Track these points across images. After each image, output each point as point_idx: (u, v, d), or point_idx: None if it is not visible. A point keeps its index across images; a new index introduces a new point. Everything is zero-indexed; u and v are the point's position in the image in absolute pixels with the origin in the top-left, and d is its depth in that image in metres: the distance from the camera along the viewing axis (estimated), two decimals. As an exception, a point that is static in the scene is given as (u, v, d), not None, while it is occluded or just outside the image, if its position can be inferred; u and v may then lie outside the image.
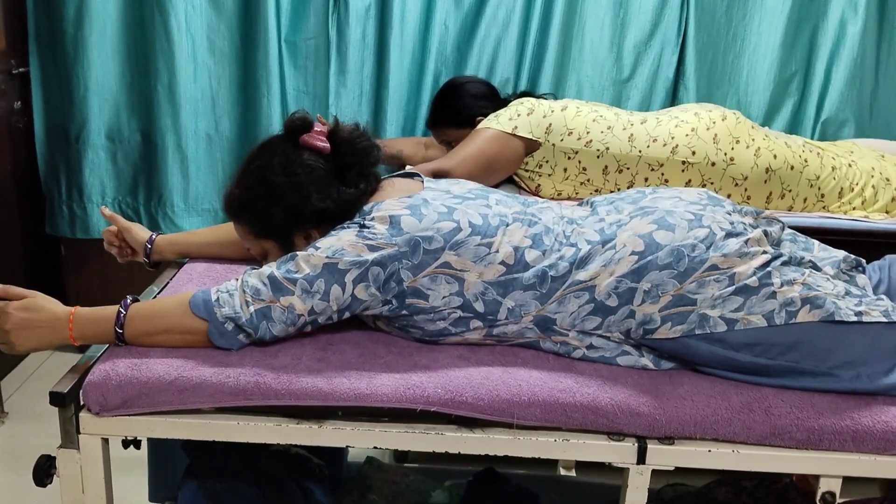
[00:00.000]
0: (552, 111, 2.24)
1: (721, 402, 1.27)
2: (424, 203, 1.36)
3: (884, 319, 1.30)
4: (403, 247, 1.31)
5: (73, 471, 1.29)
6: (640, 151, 2.20)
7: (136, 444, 1.50)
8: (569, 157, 2.22)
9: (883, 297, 1.38)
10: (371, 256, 1.30)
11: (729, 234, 1.33)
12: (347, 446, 1.28)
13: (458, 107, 2.40)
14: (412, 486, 1.76)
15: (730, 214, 1.38)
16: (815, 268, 1.39)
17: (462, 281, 1.32)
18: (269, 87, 2.65)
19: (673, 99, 2.70)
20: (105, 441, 1.29)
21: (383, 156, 1.49)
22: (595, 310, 1.32)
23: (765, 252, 1.33)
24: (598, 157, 2.21)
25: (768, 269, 1.31)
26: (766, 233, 1.38)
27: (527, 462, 1.63)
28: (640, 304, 1.30)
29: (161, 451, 1.74)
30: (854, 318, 1.29)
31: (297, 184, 1.37)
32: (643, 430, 1.26)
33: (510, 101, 2.37)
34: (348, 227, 1.35)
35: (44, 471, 1.30)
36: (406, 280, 1.31)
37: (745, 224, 1.37)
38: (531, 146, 2.23)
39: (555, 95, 2.56)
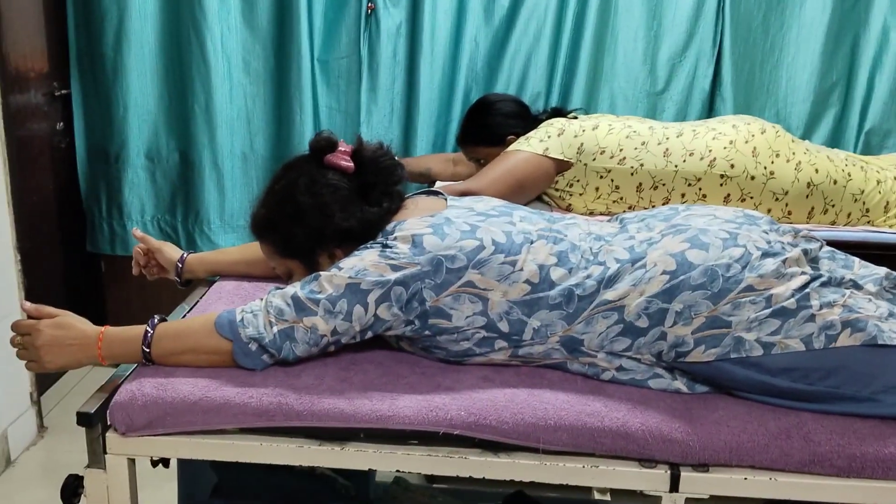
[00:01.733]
0: (583, 130, 2.21)
1: (758, 427, 1.22)
2: (447, 222, 1.34)
3: (930, 341, 1.24)
4: (426, 266, 1.29)
5: (99, 491, 1.29)
6: (675, 166, 2.15)
7: (165, 462, 1.50)
8: (601, 176, 2.19)
9: (929, 316, 1.32)
10: (394, 276, 1.28)
11: (766, 254, 1.28)
12: (370, 468, 1.26)
13: (490, 125, 2.38)
14: (441, 507, 1.73)
15: (766, 233, 1.34)
16: (856, 287, 1.33)
17: (486, 300, 1.30)
18: (302, 105, 2.67)
19: (710, 111, 2.65)
20: (131, 461, 1.29)
21: (408, 174, 1.48)
22: (624, 331, 1.28)
23: (803, 273, 1.28)
24: (631, 174, 2.17)
25: (807, 290, 1.26)
26: (804, 251, 1.33)
27: (558, 485, 1.60)
28: (672, 325, 1.26)
29: (190, 468, 1.74)
30: (898, 341, 1.24)
31: (321, 203, 1.37)
32: (676, 457, 1.21)
33: (541, 120, 2.34)
34: (371, 247, 1.34)
35: (71, 490, 1.31)
36: (429, 300, 1.30)
37: (782, 243, 1.33)
38: (562, 166, 2.20)
39: (585, 111, 2.53)
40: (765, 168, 2.14)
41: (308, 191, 1.37)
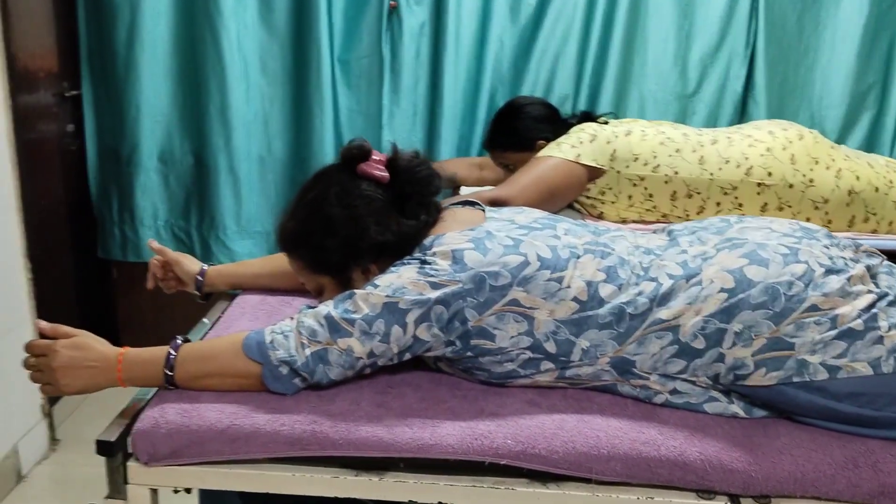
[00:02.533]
0: (616, 136, 2.13)
1: (823, 456, 1.14)
2: (488, 236, 1.26)
3: None
4: (468, 284, 1.21)
5: (121, 523, 1.21)
6: (711, 174, 2.08)
7: (188, 490, 1.43)
8: (634, 184, 2.11)
9: None
10: (433, 295, 1.20)
11: (829, 271, 1.20)
12: (411, 501, 1.18)
13: (519, 130, 2.31)
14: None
15: (827, 248, 1.26)
16: (924, 305, 1.25)
17: (532, 319, 1.22)
18: (321, 107, 2.59)
19: (742, 114, 2.57)
20: (154, 491, 1.21)
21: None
22: (679, 352, 1.21)
23: (869, 291, 1.20)
24: (665, 182, 2.09)
25: (874, 310, 1.18)
26: (867, 268, 1.25)
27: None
28: (731, 347, 1.19)
29: (213, 495, 1.66)
30: (974, 364, 1.16)
31: (354, 216, 1.29)
32: (736, 488, 1.14)
33: (571, 124, 2.27)
34: (409, 263, 1.26)
35: (90, 521, 1.23)
36: (471, 319, 1.22)
37: (844, 259, 1.25)
38: (595, 174, 2.13)
39: (616, 115, 2.45)
40: (804, 176, 2.06)
41: (340, 202, 1.30)
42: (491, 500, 1.17)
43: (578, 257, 1.26)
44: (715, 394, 1.23)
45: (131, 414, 1.22)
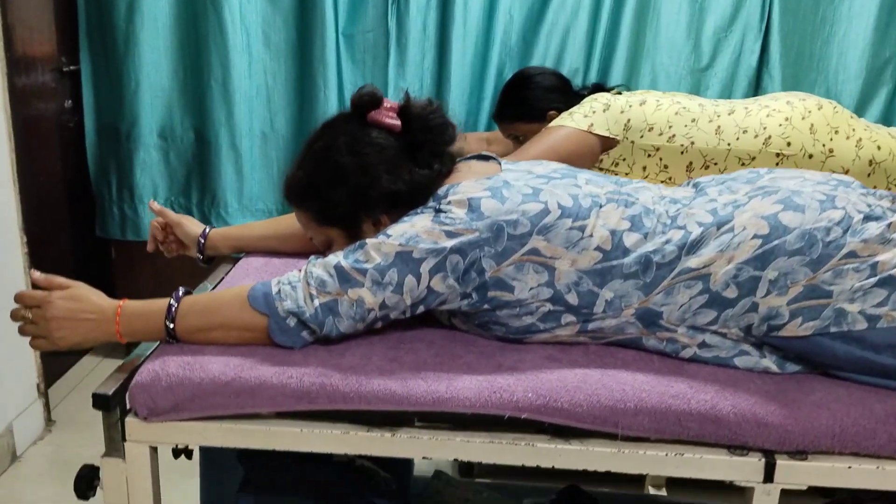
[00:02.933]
0: (630, 106, 2.07)
1: (862, 410, 1.08)
2: (506, 185, 1.20)
3: None
4: (485, 233, 1.15)
5: (117, 482, 1.15)
6: (728, 144, 2.01)
7: (188, 453, 1.36)
8: (649, 155, 2.05)
9: None
10: (449, 244, 1.14)
11: (868, 218, 1.14)
12: (424, 457, 1.12)
13: (529, 100, 2.24)
14: (487, 503, 1.59)
15: (864, 196, 1.20)
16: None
17: (553, 270, 1.16)
18: (325, 82, 2.53)
19: (756, 88, 2.52)
20: (153, 449, 1.15)
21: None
22: (710, 302, 1.14)
23: (909, 238, 1.14)
24: (681, 152, 2.03)
25: (915, 257, 1.12)
26: (906, 216, 1.19)
27: (611, 478, 1.45)
28: (765, 295, 1.12)
29: (214, 463, 1.60)
30: None
31: (364, 164, 1.23)
32: (771, 444, 1.07)
33: (583, 96, 2.21)
34: (422, 213, 1.20)
35: (86, 482, 1.17)
36: (488, 270, 1.16)
37: (882, 208, 1.19)
38: (608, 144, 2.06)
39: (628, 87, 2.39)
40: (823, 146, 2.00)
41: (350, 151, 1.23)
42: (510, 457, 1.10)
43: (601, 206, 1.20)
44: (746, 347, 1.17)
45: (130, 368, 1.16)
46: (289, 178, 1.30)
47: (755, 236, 1.13)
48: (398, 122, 1.26)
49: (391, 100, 1.29)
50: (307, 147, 1.30)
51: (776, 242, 1.12)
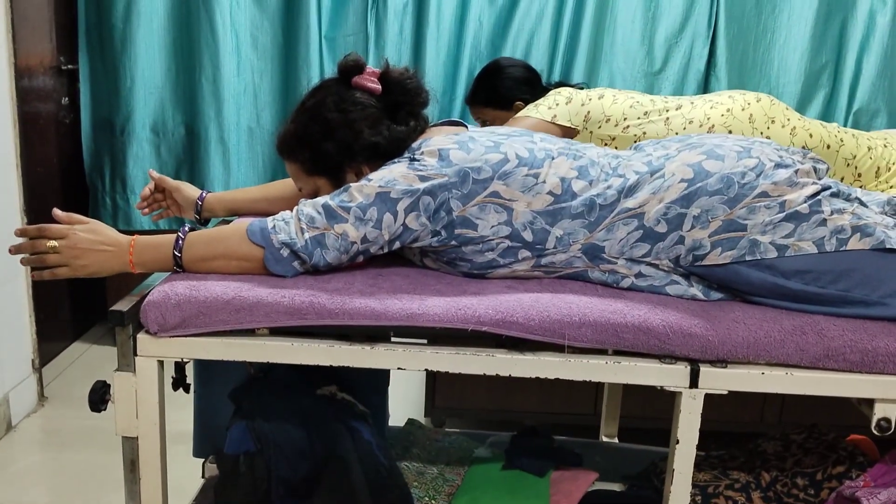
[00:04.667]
0: (590, 99, 2.27)
1: (773, 325, 1.27)
2: (471, 139, 1.39)
3: (935, 250, 1.30)
4: (453, 177, 1.33)
5: (128, 394, 1.30)
6: (676, 134, 2.22)
7: (186, 387, 1.53)
8: (606, 144, 2.25)
9: (932, 229, 1.38)
10: (422, 186, 1.32)
11: (779, 165, 1.34)
12: (399, 368, 1.29)
13: (499, 88, 2.44)
14: (454, 444, 1.76)
15: (778, 150, 1.40)
16: (862, 204, 1.40)
17: (511, 210, 1.34)
18: (309, 81, 2.72)
19: (705, 91, 2.74)
20: (160, 364, 1.30)
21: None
22: (644, 236, 1.33)
23: (814, 183, 1.34)
24: (634, 141, 2.23)
25: (818, 198, 1.32)
26: (814, 168, 1.39)
27: (567, 428, 1.62)
28: (690, 229, 1.32)
29: (207, 407, 1.75)
30: (905, 247, 1.29)
31: (349, 120, 1.41)
32: (695, 353, 1.25)
33: (548, 89, 2.41)
34: (399, 162, 1.38)
35: (99, 396, 1.31)
36: (455, 209, 1.34)
37: (793, 159, 1.39)
38: (569, 133, 2.26)
39: (588, 85, 2.60)
40: (761, 133, 2.21)
41: (337, 108, 1.42)
42: (473, 367, 1.27)
43: (553, 158, 1.39)
44: (676, 277, 1.36)
45: (141, 295, 1.31)
46: (282, 132, 1.48)
47: (682, 180, 1.33)
48: (379, 86, 1.45)
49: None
50: (300, 105, 1.47)
51: (699, 185, 1.32)
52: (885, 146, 2.31)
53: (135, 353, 1.29)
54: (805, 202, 1.31)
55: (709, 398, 1.26)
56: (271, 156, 2.80)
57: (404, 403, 2.55)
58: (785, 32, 2.71)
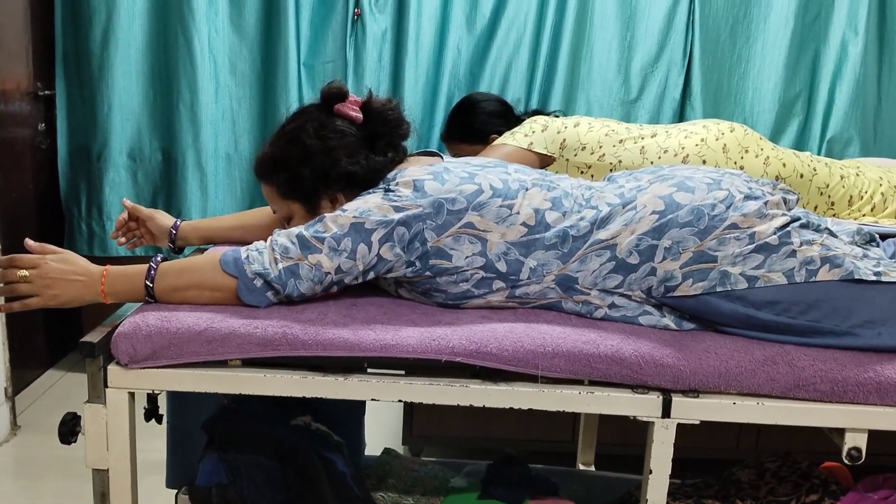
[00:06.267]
0: (565, 127, 2.29)
1: (744, 355, 1.28)
2: (446, 170, 1.40)
3: (902, 280, 1.32)
4: (428, 208, 1.34)
5: (98, 426, 1.28)
6: (651, 163, 2.24)
7: (158, 418, 1.51)
8: (581, 171, 2.27)
9: (900, 259, 1.40)
10: (397, 217, 1.33)
11: (748, 197, 1.36)
12: (373, 399, 1.28)
13: (474, 123, 2.46)
14: (430, 473, 1.75)
15: (748, 182, 1.42)
16: (832, 234, 1.41)
17: (485, 241, 1.35)
18: (287, 107, 2.72)
19: (680, 119, 2.78)
20: (131, 396, 1.29)
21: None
22: (616, 267, 1.34)
23: (784, 214, 1.36)
24: (610, 169, 2.25)
25: (787, 229, 1.34)
26: (784, 200, 1.41)
27: (546, 456, 1.60)
28: (661, 260, 1.33)
29: (181, 437, 1.73)
30: (873, 278, 1.31)
31: (327, 147, 1.42)
32: (667, 383, 1.26)
33: (523, 119, 2.43)
34: (374, 192, 1.38)
35: (69, 428, 1.30)
36: (430, 240, 1.34)
37: (763, 190, 1.41)
38: (545, 161, 2.28)
39: (564, 112, 2.63)
40: (735, 163, 2.24)
41: (316, 134, 1.42)
42: (447, 398, 1.27)
43: (527, 189, 1.40)
44: (649, 308, 1.36)
45: (113, 325, 1.30)
46: (260, 154, 1.48)
47: (653, 212, 1.34)
48: (360, 115, 1.46)
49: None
50: (280, 129, 1.48)
51: (670, 216, 1.33)
52: (858, 175, 2.35)
53: (105, 385, 1.28)
54: (774, 233, 1.32)
55: (682, 426, 1.27)
56: (249, 182, 2.80)
57: (383, 430, 2.54)
58: (759, 62, 2.76)
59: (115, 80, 2.72)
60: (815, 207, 2.30)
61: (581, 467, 2.02)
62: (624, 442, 2.23)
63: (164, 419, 1.63)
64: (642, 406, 1.26)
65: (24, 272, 1.30)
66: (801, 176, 2.27)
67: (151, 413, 1.49)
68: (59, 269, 1.30)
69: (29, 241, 1.34)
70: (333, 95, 1.45)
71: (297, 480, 1.44)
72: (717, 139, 2.26)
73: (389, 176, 1.42)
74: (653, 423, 1.27)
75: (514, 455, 1.73)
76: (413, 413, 2.38)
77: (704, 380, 1.26)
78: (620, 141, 2.27)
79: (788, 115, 2.79)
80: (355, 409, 1.75)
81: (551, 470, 1.87)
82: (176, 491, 1.73)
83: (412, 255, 1.35)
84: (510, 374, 1.27)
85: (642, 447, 1.30)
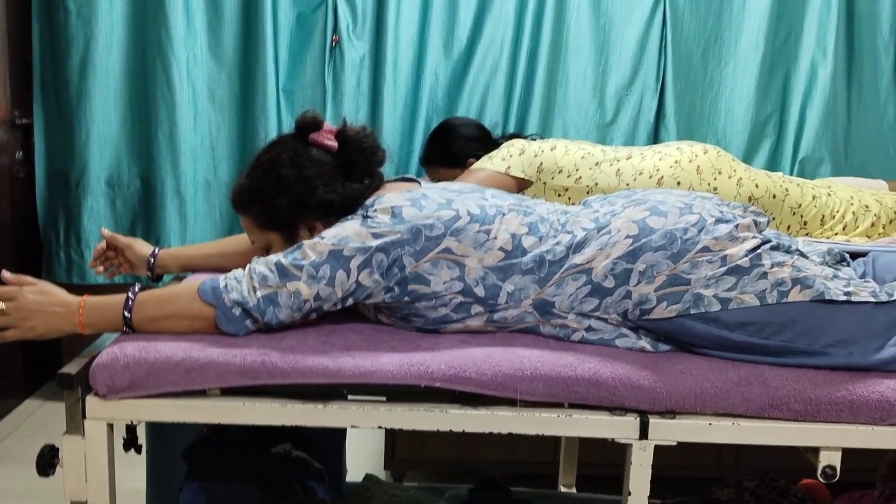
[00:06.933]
0: (542, 151, 2.32)
1: (719, 376, 1.29)
2: (424, 196, 1.41)
3: (872, 300, 1.34)
4: (406, 234, 1.35)
5: (77, 458, 1.27)
6: (627, 185, 2.27)
7: (137, 448, 1.50)
8: (559, 195, 2.30)
9: (869, 279, 1.43)
10: (375, 243, 1.34)
11: (719, 220, 1.38)
12: (353, 426, 1.29)
13: (452, 147, 2.49)
14: (413, 498, 1.75)
15: (719, 205, 1.44)
16: (803, 255, 1.44)
17: (463, 266, 1.36)
18: (267, 134, 2.74)
19: (655, 141, 2.82)
20: (110, 427, 1.28)
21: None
22: (592, 291, 1.36)
23: (755, 237, 1.39)
24: (587, 192, 2.28)
25: (759, 251, 1.36)
26: (755, 222, 1.44)
27: (528, 477, 1.61)
28: (636, 284, 1.35)
29: (160, 466, 1.73)
30: (844, 298, 1.34)
31: (304, 176, 1.43)
32: (645, 405, 1.27)
33: (501, 143, 2.46)
34: (352, 219, 1.40)
35: (47, 460, 1.29)
36: (408, 266, 1.35)
37: (734, 213, 1.43)
38: (523, 184, 2.30)
39: (541, 136, 2.66)
40: (708, 185, 2.28)
41: (292, 164, 1.43)
42: (426, 423, 1.28)
43: (504, 214, 1.42)
44: (625, 330, 1.38)
45: (91, 356, 1.30)
46: (236, 185, 1.48)
47: (627, 236, 1.36)
48: (335, 144, 1.47)
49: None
50: (255, 159, 1.49)
51: (644, 240, 1.35)
52: (829, 195, 2.39)
53: (83, 416, 1.27)
54: (746, 256, 1.35)
55: (660, 447, 1.28)
56: (228, 209, 2.80)
57: (364, 455, 2.53)
58: (731, 84, 2.81)
59: (93, 108, 2.72)
60: (788, 227, 2.34)
61: (563, 489, 2.03)
62: (607, 462, 2.24)
63: (144, 449, 1.62)
64: (620, 428, 1.28)
65: (0, 304, 1.29)
66: (774, 196, 2.31)
67: (130, 443, 1.48)
68: (36, 301, 1.29)
69: (6, 273, 1.34)
70: (308, 125, 1.46)
71: (278, 509, 1.44)
72: (690, 161, 2.30)
73: (368, 202, 1.43)
74: (630, 444, 1.28)
75: (495, 478, 1.74)
76: (395, 437, 2.38)
77: (681, 401, 1.28)
78: (597, 164, 2.30)
79: (761, 136, 2.84)
80: (336, 436, 1.75)
81: (533, 493, 1.88)
82: (156, 521, 1.73)
83: (391, 280, 1.36)
84: (489, 398, 1.28)
85: (623, 467, 1.31)
